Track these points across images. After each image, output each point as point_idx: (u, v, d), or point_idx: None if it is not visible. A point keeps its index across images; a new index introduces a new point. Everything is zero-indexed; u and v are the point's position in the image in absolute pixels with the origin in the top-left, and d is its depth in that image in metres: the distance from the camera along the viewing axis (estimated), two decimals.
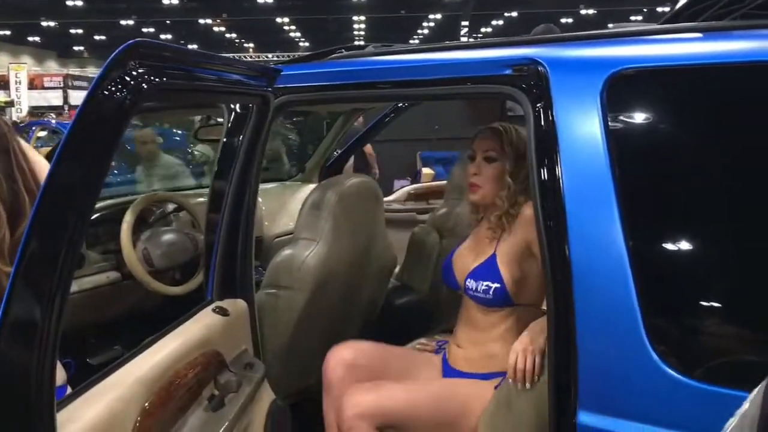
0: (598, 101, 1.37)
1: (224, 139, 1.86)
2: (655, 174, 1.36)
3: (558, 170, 1.36)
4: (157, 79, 1.17)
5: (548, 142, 1.39)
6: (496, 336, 1.90)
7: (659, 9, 23.38)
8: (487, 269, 1.89)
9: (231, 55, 28.04)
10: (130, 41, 1.13)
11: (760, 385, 0.77)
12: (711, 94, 1.36)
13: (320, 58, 1.99)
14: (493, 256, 1.89)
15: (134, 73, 1.12)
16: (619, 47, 1.52)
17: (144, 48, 1.16)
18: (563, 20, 28.47)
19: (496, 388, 1.80)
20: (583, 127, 1.38)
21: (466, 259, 2.00)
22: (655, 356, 1.25)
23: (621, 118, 1.39)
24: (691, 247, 1.34)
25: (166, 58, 1.23)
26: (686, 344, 1.30)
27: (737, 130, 1.33)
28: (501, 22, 32.37)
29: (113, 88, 1.10)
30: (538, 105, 1.44)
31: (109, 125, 1.10)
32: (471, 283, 1.90)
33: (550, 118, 1.41)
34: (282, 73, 1.84)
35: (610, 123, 1.36)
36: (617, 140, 1.35)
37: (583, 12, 27.85)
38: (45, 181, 1.09)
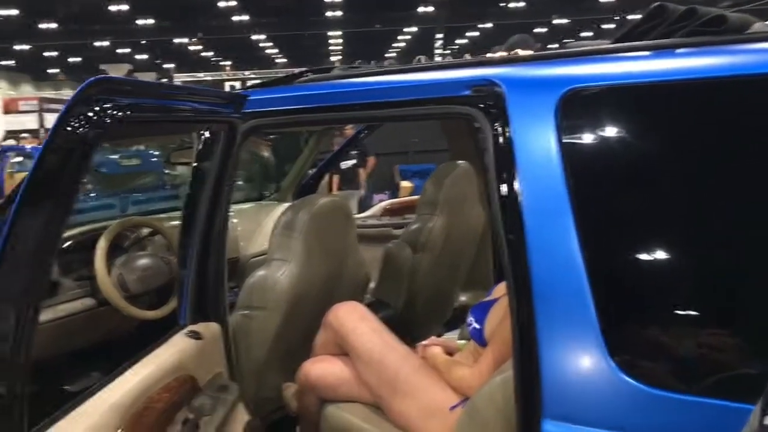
0: (553, 119, 1.42)
1: (195, 164, 1.90)
2: (608, 187, 1.41)
3: (516, 186, 1.41)
4: (120, 113, 1.21)
5: (507, 159, 1.44)
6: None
7: (630, 17, 23.80)
8: (482, 309, 1.96)
9: (205, 74, 28.08)
10: (93, 78, 1.16)
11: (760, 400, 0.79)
12: (659, 110, 1.41)
13: (287, 82, 2.03)
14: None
15: (97, 108, 1.16)
16: (572, 66, 1.56)
17: (107, 84, 1.20)
18: (537, 30, 28.79)
19: (451, 409, 1.85)
20: (539, 143, 1.43)
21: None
22: (613, 364, 1.29)
23: (575, 134, 1.43)
24: (645, 257, 1.38)
25: (129, 92, 1.27)
26: (643, 352, 1.33)
27: (685, 145, 1.38)
28: (476, 34, 32.67)
29: (77, 124, 1.13)
30: (496, 124, 1.49)
31: (73, 160, 1.13)
32: (470, 315, 1.99)
33: (508, 136, 1.45)
34: (249, 98, 1.87)
35: (564, 139, 1.40)
36: (572, 155, 1.39)
37: (556, 22, 28.19)
38: (12, 215, 1.12)
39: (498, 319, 1.85)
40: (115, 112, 1.19)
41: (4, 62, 35.53)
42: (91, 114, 1.14)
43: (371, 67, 2.01)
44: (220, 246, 1.91)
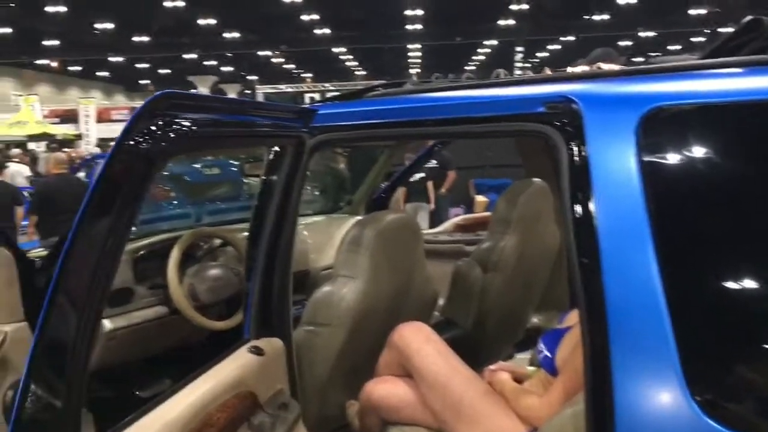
0: (634, 138, 1.34)
1: (263, 177, 1.90)
2: (691, 210, 1.31)
3: (592, 207, 1.33)
4: (185, 129, 1.20)
5: (582, 179, 1.37)
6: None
7: (721, 30, 22.90)
8: (553, 337, 1.88)
9: (286, 86, 28.74)
10: (158, 93, 1.16)
11: None
12: (749, 131, 1.31)
13: (357, 96, 2.01)
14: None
15: (161, 123, 1.16)
16: (655, 83, 1.47)
17: (172, 99, 1.20)
18: (621, 43, 28.07)
19: None
20: (618, 164, 1.35)
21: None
22: (694, 404, 1.19)
23: (657, 155, 1.34)
24: (730, 285, 1.27)
25: (195, 107, 1.26)
26: (728, 391, 1.23)
27: None
28: (558, 47, 32.14)
29: (140, 139, 1.13)
30: (571, 143, 1.41)
31: (136, 174, 1.13)
32: (540, 343, 1.92)
33: (584, 155, 1.38)
34: (318, 112, 1.86)
35: (645, 160, 1.32)
36: (653, 178, 1.31)
37: (642, 34, 27.38)
38: (75, 226, 1.13)
39: (570, 349, 1.76)
40: (179, 128, 1.19)
41: (100, 73, 37.47)
42: (154, 129, 1.14)
43: (443, 82, 1.96)
44: (285, 260, 1.90)
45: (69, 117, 25.70)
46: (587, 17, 26.11)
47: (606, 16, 25.57)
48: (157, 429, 1.31)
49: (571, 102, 1.45)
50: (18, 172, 12.12)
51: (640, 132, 1.34)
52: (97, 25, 26.08)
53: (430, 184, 8.39)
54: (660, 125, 1.35)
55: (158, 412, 1.36)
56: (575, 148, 1.40)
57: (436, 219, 7.98)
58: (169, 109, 1.18)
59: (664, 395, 1.22)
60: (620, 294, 1.28)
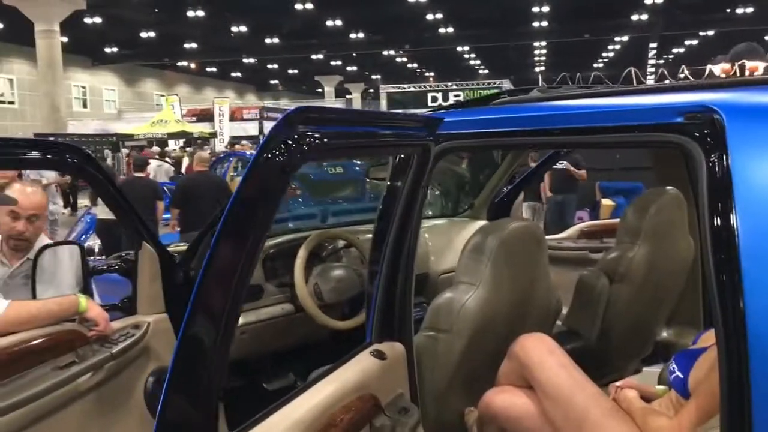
0: None
1: (388, 182, 1.93)
2: None
3: (733, 223, 1.25)
4: (318, 141, 1.26)
5: (723, 194, 1.29)
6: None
7: None
8: (687, 357, 1.79)
9: (409, 85, 28.94)
10: (295, 107, 1.22)
11: None
12: None
13: (483, 103, 2.00)
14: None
15: (296, 136, 1.21)
16: None
17: (308, 113, 1.25)
18: None
19: None
20: (764, 179, 1.26)
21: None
22: None
23: None
24: None
25: (328, 120, 1.32)
26: None
27: None
28: (695, 42, 30.42)
29: (277, 151, 1.19)
30: (712, 156, 1.34)
31: (273, 185, 1.20)
32: (672, 362, 1.83)
33: (726, 169, 1.30)
34: (444, 120, 1.86)
35: None
36: None
37: None
38: (216, 233, 1.20)
39: (705, 371, 1.66)
40: (313, 140, 1.24)
41: (233, 74, 39.42)
42: (290, 142, 1.20)
43: (571, 89, 1.91)
44: (408, 266, 1.92)
45: (204, 116, 27.31)
46: (728, 10, 24.51)
47: (749, 9, 23.88)
48: (284, 428, 1.37)
49: (712, 112, 1.38)
50: (163, 169, 13.10)
51: None
52: (233, 29, 27.45)
53: (542, 185, 8.50)
54: None
55: (285, 411, 1.42)
56: (716, 162, 1.32)
57: (556, 218, 7.97)
58: (305, 123, 1.24)
59: None
60: (762, 316, 1.20)
